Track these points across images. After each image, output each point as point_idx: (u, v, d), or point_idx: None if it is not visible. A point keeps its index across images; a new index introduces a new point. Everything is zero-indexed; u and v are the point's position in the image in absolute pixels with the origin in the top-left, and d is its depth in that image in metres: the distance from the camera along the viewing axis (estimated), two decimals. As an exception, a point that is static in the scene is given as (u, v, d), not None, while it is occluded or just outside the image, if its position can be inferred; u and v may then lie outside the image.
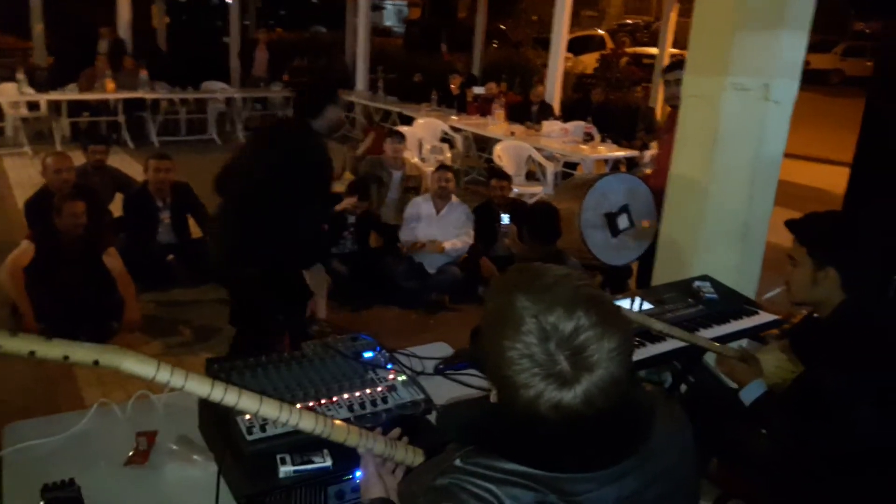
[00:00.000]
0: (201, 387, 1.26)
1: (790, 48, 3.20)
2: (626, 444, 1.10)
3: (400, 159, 6.38)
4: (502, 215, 4.39)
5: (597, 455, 1.07)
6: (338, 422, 1.43)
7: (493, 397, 1.12)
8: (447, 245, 5.30)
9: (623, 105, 9.65)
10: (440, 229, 5.44)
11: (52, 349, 1.13)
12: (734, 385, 2.30)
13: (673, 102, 4.17)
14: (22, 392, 3.84)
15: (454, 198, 5.60)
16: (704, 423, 1.64)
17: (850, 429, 1.96)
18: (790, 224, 2.19)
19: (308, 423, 1.36)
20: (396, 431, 1.55)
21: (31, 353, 1.12)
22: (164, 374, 1.22)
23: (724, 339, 2.61)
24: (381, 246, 5.49)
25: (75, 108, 10.10)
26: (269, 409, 1.32)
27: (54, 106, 9.89)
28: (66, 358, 1.14)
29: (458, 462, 1.08)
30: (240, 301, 3.45)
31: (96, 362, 1.17)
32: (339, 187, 5.58)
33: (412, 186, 6.68)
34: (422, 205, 5.51)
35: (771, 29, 3.15)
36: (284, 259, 3.26)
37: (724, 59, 3.21)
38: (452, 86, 10.59)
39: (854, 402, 1.95)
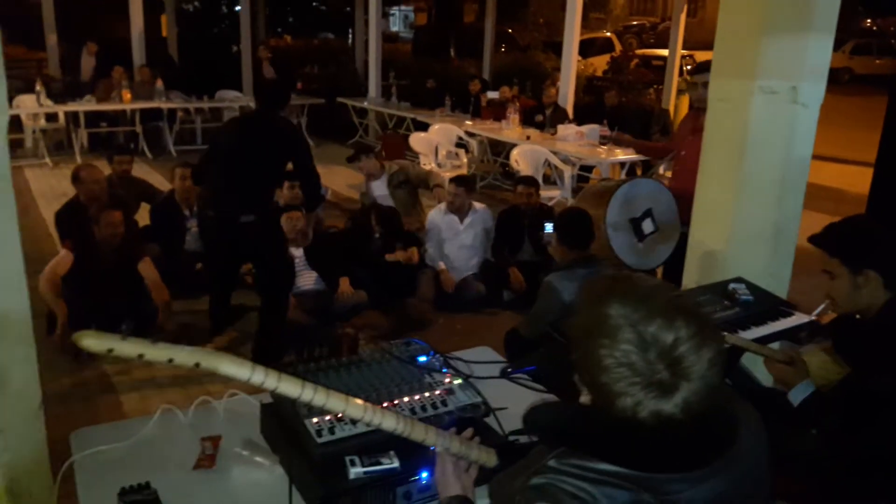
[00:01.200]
0: (293, 387, 1.31)
1: (817, 50, 3.24)
2: (717, 445, 1.13)
3: (375, 172, 6.30)
4: (546, 224, 4.45)
5: (691, 457, 1.10)
6: (417, 422, 1.48)
7: (584, 400, 1.16)
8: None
9: (637, 107, 9.68)
10: (465, 237, 5.50)
11: (159, 352, 1.19)
12: (770, 383, 2.34)
13: (700, 105, 4.20)
14: (61, 401, 3.89)
15: (476, 205, 5.64)
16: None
17: None
18: (815, 240, 2.21)
19: (390, 423, 1.41)
20: (469, 431, 1.60)
21: (140, 356, 1.17)
22: (258, 377, 1.27)
23: (762, 341, 2.64)
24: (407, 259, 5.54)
25: (93, 118, 10.22)
26: (355, 409, 1.37)
27: (72, 117, 9.99)
28: (170, 360, 1.20)
29: (552, 462, 1.11)
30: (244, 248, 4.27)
31: (197, 364, 1.22)
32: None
33: (403, 181, 6.58)
34: (442, 218, 5.52)
35: (798, 31, 3.18)
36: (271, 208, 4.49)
37: (751, 62, 3.24)
38: (472, 89, 10.63)
39: None
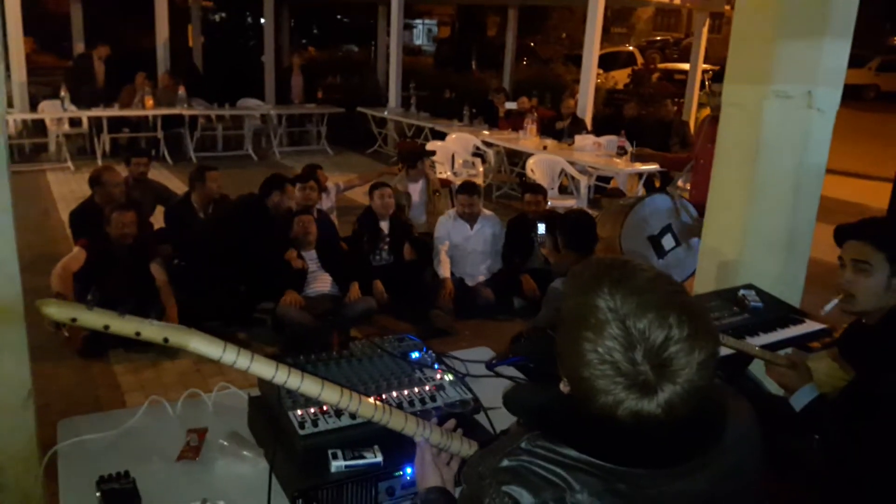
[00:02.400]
0: (266, 369, 1.28)
1: (833, 56, 3.17)
2: (699, 443, 1.07)
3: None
4: (539, 224, 4.37)
5: (669, 454, 1.05)
6: (395, 410, 1.43)
7: (564, 388, 1.10)
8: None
9: (656, 119, 9.60)
10: (475, 243, 5.47)
11: (126, 325, 1.16)
12: (779, 393, 2.27)
13: (719, 113, 4.15)
14: (65, 396, 3.91)
15: (485, 211, 5.61)
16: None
17: None
18: (858, 232, 2.13)
19: (368, 410, 1.37)
20: (452, 423, 1.55)
21: (106, 327, 1.15)
22: (230, 356, 1.24)
23: (771, 348, 2.56)
24: (415, 258, 5.51)
25: (115, 124, 10.34)
26: (331, 393, 1.34)
27: (95, 123, 10.13)
28: (137, 334, 1.17)
29: (525, 444, 1.06)
30: None
31: (166, 339, 1.19)
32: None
33: (437, 189, 6.64)
34: (451, 225, 5.48)
35: (813, 36, 3.12)
36: None
37: (766, 66, 3.18)
38: (497, 105, 10.62)
39: None
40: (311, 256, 4.96)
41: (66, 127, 10.34)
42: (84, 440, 1.86)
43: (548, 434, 1.07)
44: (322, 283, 4.94)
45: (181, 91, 10.75)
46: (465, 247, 5.46)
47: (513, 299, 5.39)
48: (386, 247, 5.48)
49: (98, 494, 1.60)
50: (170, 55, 12.20)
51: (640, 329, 0.98)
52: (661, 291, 1.02)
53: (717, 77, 4.63)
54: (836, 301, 2.20)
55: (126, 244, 4.52)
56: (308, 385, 1.32)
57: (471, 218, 5.45)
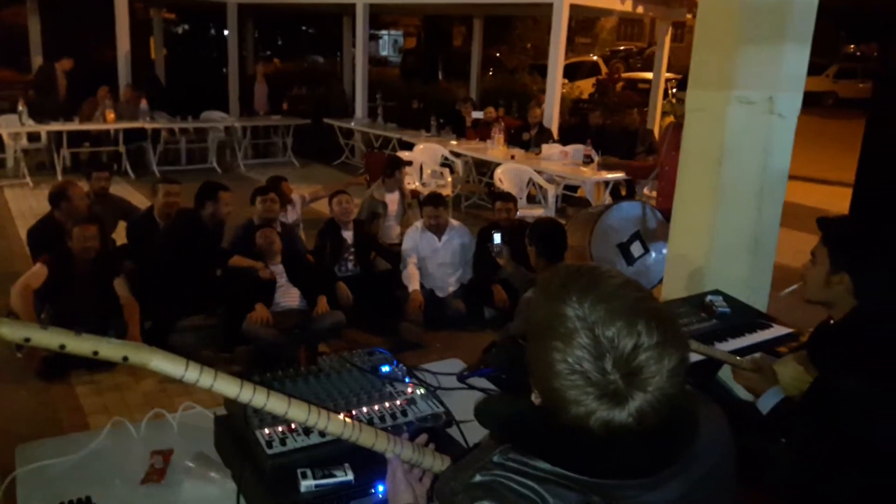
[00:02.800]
0: (230, 387, 1.23)
1: (793, 61, 3.23)
2: (671, 452, 1.06)
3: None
4: (494, 234, 4.38)
5: (641, 464, 1.03)
6: (365, 426, 1.40)
7: (535, 399, 1.08)
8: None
9: (621, 127, 9.71)
10: (444, 255, 5.44)
11: (82, 344, 1.11)
12: (749, 398, 2.28)
13: (682, 121, 4.19)
14: (25, 422, 3.79)
15: (452, 222, 5.59)
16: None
17: (868, 433, 1.93)
18: (822, 222, 2.19)
19: (337, 427, 1.33)
20: (423, 438, 1.53)
21: (62, 346, 1.10)
22: (192, 374, 1.20)
23: (739, 353, 2.58)
24: (386, 270, 5.47)
25: (76, 138, 10.14)
26: (298, 411, 1.30)
27: (55, 137, 9.91)
28: (95, 353, 1.12)
29: (497, 458, 1.04)
30: None
31: (125, 358, 1.14)
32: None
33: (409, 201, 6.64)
34: (419, 237, 5.44)
35: (774, 43, 3.17)
36: None
37: (728, 73, 3.23)
38: (465, 115, 10.63)
39: (871, 406, 1.93)
40: (278, 270, 4.89)
41: (25, 142, 10.11)
42: (44, 465, 1.79)
43: (520, 447, 1.05)
44: (290, 297, 4.87)
45: (143, 104, 10.58)
46: (434, 259, 5.43)
47: (483, 310, 5.37)
48: (351, 257, 5.43)
49: (58, 522, 1.55)
50: (131, 68, 12.01)
51: (608, 337, 0.97)
52: (630, 298, 1.01)
53: (682, 85, 4.69)
54: (794, 287, 2.24)
55: (88, 259, 4.41)
56: (274, 403, 1.28)
57: (438, 230, 5.42)
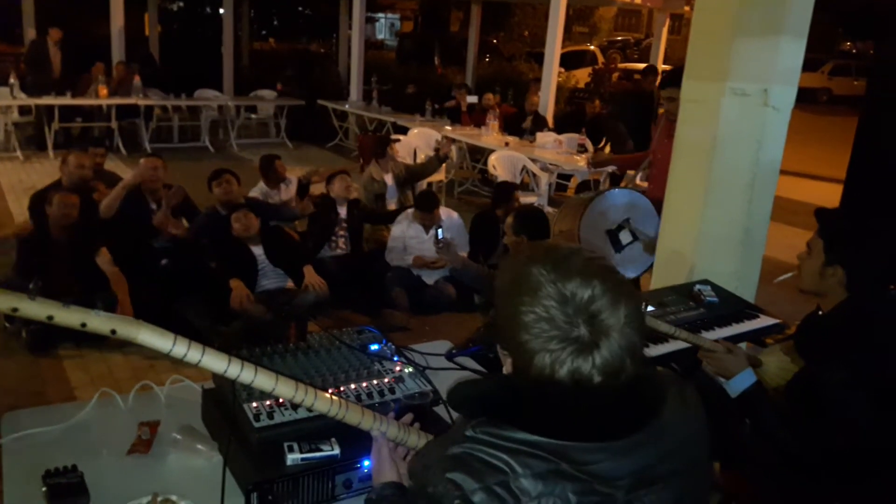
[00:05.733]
0: (218, 362, 1.24)
1: (788, 55, 3.23)
2: (635, 417, 1.10)
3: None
4: (438, 230, 4.45)
5: (607, 425, 1.07)
6: (352, 404, 1.41)
7: (506, 369, 1.14)
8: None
9: (617, 118, 9.68)
10: (431, 247, 5.37)
11: (71, 315, 1.12)
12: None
13: (671, 118, 4.20)
14: (11, 392, 3.79)
15: (441, 213, 5.53)
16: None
17: (849, 424, 1.96)
18: (820, 213, 2.21)
19: (323, 404, 1.34)
20: (409, 417, 1.54)
21: (50, 317, 1.10)
22: (180, 348, 1.20)
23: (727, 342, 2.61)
24: (373, 249, 5.46)
25: (68, 113, 10.05)
26: (285, 387, 1.30)
27: (46, 112, 9.83)
28: (83, 325, 1.12)
29: (469, 432, 1.08)
30: None
31: (113, 331, 1.15)
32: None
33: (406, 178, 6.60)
34: (407, 227, 5.42)
35: (770, 35, 3.17)
36: None
37: (723, 64, 3.22)
38: (461, 101, 10.59)
39: (853, 397, 1.95)
40: (258, 251, 4.84)
41: (16, 115, 10.02)
42: (30, 434, 1.80)
43: (491, 419, 1.09)
44: (272, 278, 4.84)
45: (136, 81, 10.49)
46: (421, 248, 5.40)
47: (474, 295, 5.37)
48: (343, 233, 5.40)
49: (44, 489, 1.55)
50: (125, 44, 11.90)
51: (570, 289, 1.06)
52: (582, 258, 1.11)
53: (665, 82, 4.68)
54: (790, 274, 2.27)
55: (66, 226, 4.37)
56: (262, 379, 1.28)
57: (427, 223, 5.41)
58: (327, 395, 1.35)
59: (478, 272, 4.14)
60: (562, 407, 1.06)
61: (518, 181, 8.06)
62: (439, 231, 4.47)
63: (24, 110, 10.07)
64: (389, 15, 30.04)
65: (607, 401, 1.06)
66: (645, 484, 1.07)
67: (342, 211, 5.44)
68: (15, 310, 1.08)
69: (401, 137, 8.93)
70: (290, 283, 4.85)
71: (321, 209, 5.43)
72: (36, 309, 1.09)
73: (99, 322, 1.13)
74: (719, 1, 3.25)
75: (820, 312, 2.26)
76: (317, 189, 6.51)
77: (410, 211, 5.53)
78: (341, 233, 5.43)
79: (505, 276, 1.15)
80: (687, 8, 11.84)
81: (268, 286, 4.75)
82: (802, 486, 2.14)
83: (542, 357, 1.04)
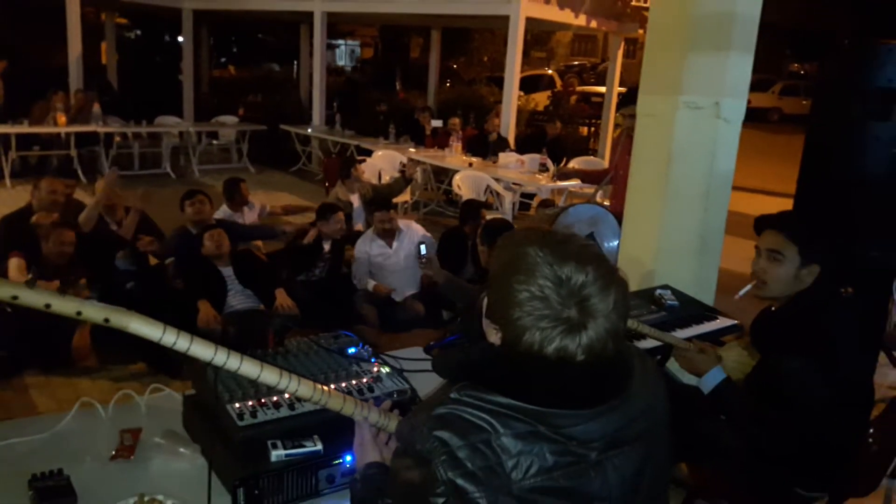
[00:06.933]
0: (205, 350, 1.29)
1: (737, 69, 3.40)
2: (611, 387, 1.19)
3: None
4: (420, 245, 4.52)
5: (583, 396, 1.15)
6: (334, 391, 1.47)
7: (494, 339, 1.20)
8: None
9: (576, 138, 9.92)
10: (397, 260, 5.44)
11: (67, 304, 1.16)
12: (693, 383, 2.41)
13: (630, 135, 4.35)
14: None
15: (401, 224, 5.59)
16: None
17: (808, 408, 2.07)
18: (775, 222, 2.30)
19: (307, 390, 1.40)
20: (388, 403, 1.60)
21: (47, 305, 1.14)
22: (169, 337, 1.25)
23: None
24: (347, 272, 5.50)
25: (25, 141, 9.92)
26: (270, 374, 1.36)
27: (3, 139, 9.68)
28: (78, 313, 1.17)
29: (453, 395, 1.15)
30: None
31: (107, 320, 1.19)
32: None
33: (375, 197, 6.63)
34: (371, 244, 5.44)
35: (719, 51, 3.34)
36: None
37: (676, 79, 3.39)
38: (424, 124, 10.73)
39: (811, 381, 2.06)
40: (227, 272, 4.84)
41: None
42: (12, 443, 1.81)
43: (475, 383, 1.16)
44: (240, 298, 4.84)
45: (96, 108, 10.42)
46: (387, 266, 5.42)
47: (442, 311, 5.44)
48: (323, 264, 5.43)
49: (31, 493, 1.57)
50: (83, 72, 11.81)
51: (565, 272, 1.13)
52: (577, 245, 1.18)
53: (624, 101, 4.85)
54: (749, 287, 2.36)
55: (61, 265, 4.41)
56: (247, 367, 1.34)
57: (388, 235, 5.43)
58: (310, 382, 1.41)
59: (460, 286, 4.21)
60: (544, 378, 1.13)
61: (483, 200, 8.19)
62: (422, 247, 4.52)
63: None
64: (349, 42, 30.24)
65: (587, 376, 1.14)
66: (615, 445, 1.16)
67: (326, 246, 5.45)
68: (15, 297, 1.13)
69: (366, 159, 9.01)
70: (261, 306, 4.86)
71: (308, 246, 5.42)
72: (34, 297, 1.14)
73: (93, 311, 1.18)
74: (671, 19, 3.41)
75: (773, 308, 2.38)
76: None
77: (370, 231, 5.57)
78: (320, 264, 5.45)
79: (502, 255, 1.20)
80: (641, 31, 12.19)
81: (237, 306, 4.75)
82: (768, 478, 2.24)
83: (533, 333, 1.11)
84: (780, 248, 2.26)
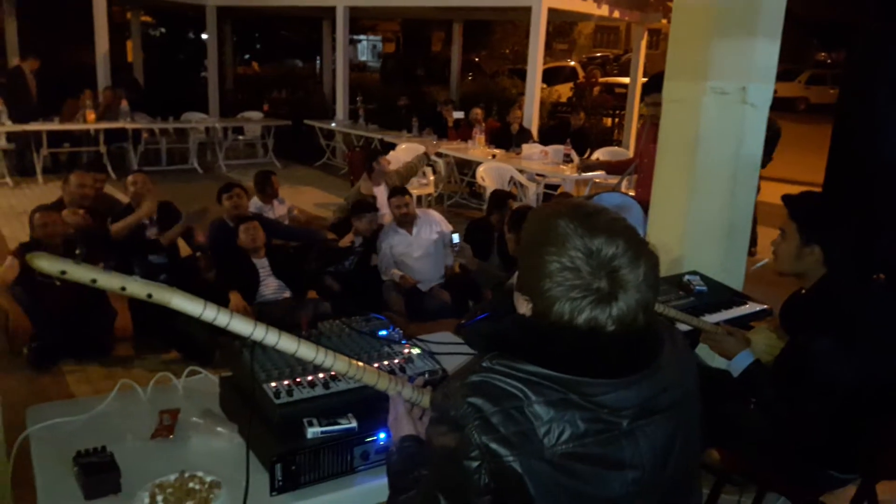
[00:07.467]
0: (245, 326, 1.33)
1: (764, 53, 3.37)
2: (641, 358, 1.20)
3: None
4: (453, 235, 4.51)
5: (615, 365, 1.17)
6: (369, 367, 1.50)
7: (524, 309, 1.22)
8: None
9: (600, 129, 9.88)
10: (419, 248, 5.47)
11: (111, 280, 1.20)
12: (723, 367, 2.41)
13: (655, 122, 4.33)
14: (13, 409, 3.75)
15: (418, 212, 5.61)
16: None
17: (831, 387, 2.07)
18: (787, 198, 2.33)
19: (342, 365, 1.43)
20: (421, 380, 1.63)
21: (93, 280, 1.19)
22: (210, 313, 1.29)
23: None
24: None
25: (56, 139, 10.10)
26: (307, 349, 1.40)
27: (34, 138, 9.87)
28: (123, 288, 1.21)
29: (485, 363, 1.18)
30: None
31: (150, 295, 1.24)
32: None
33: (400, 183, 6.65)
34: (392, 234, 5.48)
35: (746, 36, 3.32)
36: None
37: (702, 64, 3.36)
38: (446, 117, 10.75)
39: (838, 363, 2.06)
40: (262, 264, 4.93)
41: (3, 142, 10.05)
42: (56, 423, 1.87)
43: (507, 353, 1.18)
44: (274, 289, 4.92)
45: (124, 105, 10.57)
46: (411, 254, 5.46)
47: (468, 301, 5.46)
48: (353, 257, 5.47)
49: (75, 469, 1.62)
50: (110, 70, 11.98)
51: (596, 245, 1.14)
52: (607, 217, 1.19)
53: (646, 89, 4.82)
54: (766, 261, 2.37)
55: (54, 245, 4.38)
56: (285, 341, 1.38)
57: (408, 222, 5.45)
58: (345, 357, 1.44)
59: (492, 273, 4.24)
60: (575, 348, 1.15)
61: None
62: (454, 236, 4.56)
63: (11, 137, 10.10)
64: (371, 37, 30.31)
65: (617, 346, 1.15)
66: (646, 414, 1.18)
67: (357, 241, 5.48)
68: (63, 272, 1.17)
69: (388, 159, 9.04)
70: (286, 294, 4.93)
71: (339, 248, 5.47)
72: (82, 272, 1.18)
73: (137, 287, 1.22)
74: (697, 3, 3.39)
75: (802, 291, 2.38)
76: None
77: (388, 222, 5.60)
78: (351, 257, 5.48)
79: (532, 227, 1.22)
80: (664, 21, 12.08)
81: (268, 296, 4.83)
82: (799, 460, 2.24)
83: (563, 304, 1.13)
84: (784, 224, 2.33)
